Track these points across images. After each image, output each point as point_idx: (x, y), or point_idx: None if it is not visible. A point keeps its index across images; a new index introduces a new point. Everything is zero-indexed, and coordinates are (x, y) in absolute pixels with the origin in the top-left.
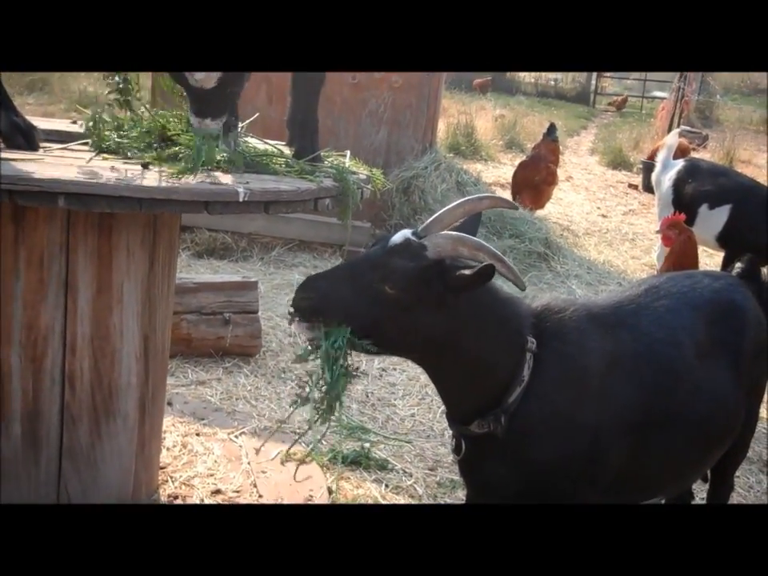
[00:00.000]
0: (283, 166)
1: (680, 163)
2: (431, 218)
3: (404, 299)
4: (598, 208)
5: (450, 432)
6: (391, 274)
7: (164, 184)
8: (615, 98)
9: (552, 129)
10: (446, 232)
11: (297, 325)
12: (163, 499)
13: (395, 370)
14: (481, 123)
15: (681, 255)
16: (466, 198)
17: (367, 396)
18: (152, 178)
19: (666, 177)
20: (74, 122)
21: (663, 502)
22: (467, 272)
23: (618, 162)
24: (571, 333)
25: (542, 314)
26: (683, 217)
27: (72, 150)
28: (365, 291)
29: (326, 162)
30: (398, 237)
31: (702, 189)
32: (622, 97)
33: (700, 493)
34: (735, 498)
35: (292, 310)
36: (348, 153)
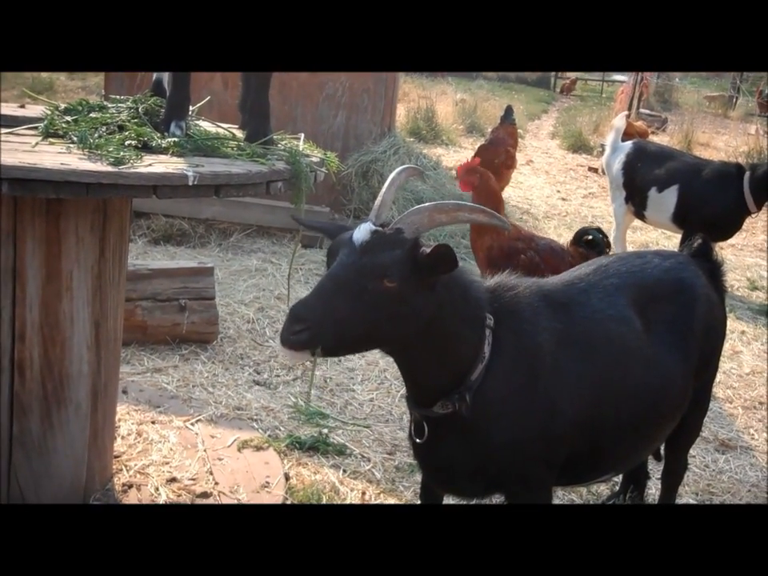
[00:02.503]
0: (235, 149)
1: (628, 146)
2: (376, 206)
3: (404, 289)
4: (558, 191)
5: (410, 416)
6: (386, 269)
7: (110, 168)
8: (565, 82)
9: (509, 112)
10: (419, 206)
11: (290, 355)
12: (117, 488)
13: (354, 354)
14: (441, 107)
15: (485, 195)
16: (392, 176)
17: (326, 381)
18: (98, 162)
19: (615, 160)
20: (22, 107)
21: (618, 479)
22: (427, 251)
23: (578, 146)
24: (525, 310)
25: (496, 291)
26: (478, 160)
27: (18, 134)
28: (361, 297)
29: (278, 145)
30: (363, 233)
31: (649, 173)
32: (571, 79)
33: (656, 473)
34: (690, 477)
35: (284, 347)
36: (302, 136)
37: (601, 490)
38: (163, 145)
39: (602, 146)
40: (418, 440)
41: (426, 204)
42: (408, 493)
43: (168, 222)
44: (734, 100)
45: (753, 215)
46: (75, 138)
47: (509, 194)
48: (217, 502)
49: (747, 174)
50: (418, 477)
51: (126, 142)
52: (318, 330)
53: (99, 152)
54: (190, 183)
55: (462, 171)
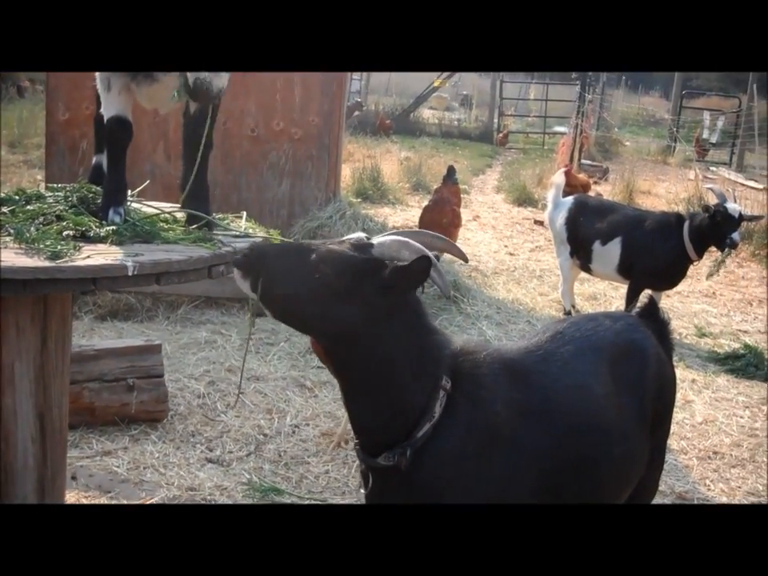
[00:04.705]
0: (176, 233)
1: (570, 201)
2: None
3: (334, 285)
4: (506, 246)
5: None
6: (330, 257)
7: (48, 263)
8: (498, 135)
9: (451, 172)
10: (395, 236)
11: (236, 274)
12: None
13: (308, 425)
14: (387, 166)
15: None
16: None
17: (280, 455)
18: (35, 256)
19: (558, 215)
20: None
21: None
22: (403, 264)
23: (523, 199)
24: (485, 378)
25: (458, 355)
26: None
27: None
28: (303, 266)
29: (220, 226)
30: (353, 235)
31: (592, 227)
32: (504, 133)
33: None
34: None
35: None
36: (244, 214)
37: None
38: (102, 234)
39: (546, 199)
40: (362, 491)
41: (402, 237)
42: None
43: (114, 297)
44: (673, 148)
45: (695, 263)
46: (12, 232)
47: None
48: None
49: (686, 224)
50: None
51: (64, 233)
52: (257, 263)
53: (36, 246)
54: (130, 273)
55: None
